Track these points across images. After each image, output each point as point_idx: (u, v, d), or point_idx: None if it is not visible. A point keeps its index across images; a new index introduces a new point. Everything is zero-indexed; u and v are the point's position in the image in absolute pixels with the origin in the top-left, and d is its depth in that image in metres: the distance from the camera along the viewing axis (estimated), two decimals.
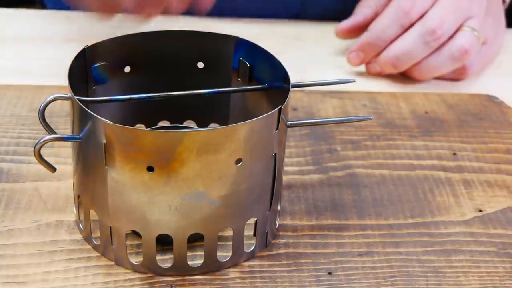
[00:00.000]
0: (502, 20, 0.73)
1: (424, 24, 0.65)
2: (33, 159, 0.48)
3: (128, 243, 0.47)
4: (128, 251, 0.47)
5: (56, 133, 0.47)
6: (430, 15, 0.66)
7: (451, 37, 0.66)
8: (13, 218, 0.50)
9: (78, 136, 0.45)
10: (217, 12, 0.77)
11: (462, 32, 0.66)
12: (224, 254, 0.47)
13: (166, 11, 0.62)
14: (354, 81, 0.52)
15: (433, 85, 0.69)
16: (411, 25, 0.67)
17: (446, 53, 0.66)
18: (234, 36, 0.51)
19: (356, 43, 0.69)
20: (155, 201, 0.44)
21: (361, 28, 0.70)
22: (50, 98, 0.46)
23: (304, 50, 0.73)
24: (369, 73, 0.69)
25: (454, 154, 0.59)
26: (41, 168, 0.50)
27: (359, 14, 0.71)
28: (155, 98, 0.51)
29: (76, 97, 0.44)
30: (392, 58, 0.67)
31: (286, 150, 0.57)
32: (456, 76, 0.69)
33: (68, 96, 0.46)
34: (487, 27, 0.68)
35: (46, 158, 0.46)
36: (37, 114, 0.47)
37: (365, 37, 0.68)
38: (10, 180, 0.53)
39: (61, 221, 0.50)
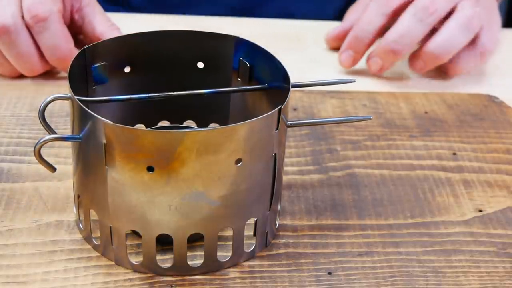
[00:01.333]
0: (496, 15, 0.73)
1: (416, 4, 0.66)
2: (33, 159, 0.48)
3: (128, 243, 0.47)
4: (128, 251, 0.47)
5: (56, 133, 0.47)
6: None
7: (446, 16, 0.66)
8: (13, 218, 0.50)
9: (78, 136, 0.45)
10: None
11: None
12: (224, 254, 0.47)
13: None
14: (354, 81, 0.52)
15: (433, 85, 0.69)
16: (395, 12, 0.67)
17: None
18: (234, 36, 0.51)
19: (344, 43, 0.69)
20: (155, 201, 0.44)
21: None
22: (50, 98, 0.46)
23: (304, 50, 0.73)
24: (372, 72, 0.69)
25: (454, 154, 0.59)
26: (41, 168, 0.50)
27: (347, 20, 0.72)
28: (155, 98, 0.51)
29: (76, 97, 0.44)
30: (390, 43, 0.66)
31: (286, 150, 0.57)
32: (444, 70, 0.69)
33: (68, 96, 0.46)
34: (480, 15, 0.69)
35: (46, 158, 0.46)
36: (37, 114, 0.47)
37: (350, 33, 0.68)
38: (10, 180, 0.53)
39: (61, 221, 0.50)
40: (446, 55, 0.67)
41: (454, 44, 0.66)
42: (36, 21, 0.60)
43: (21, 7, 0.61)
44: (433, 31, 0.67)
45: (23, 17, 0.61)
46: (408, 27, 0.66)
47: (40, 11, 0.60)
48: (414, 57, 0.68)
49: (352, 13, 0.73)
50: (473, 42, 0.67)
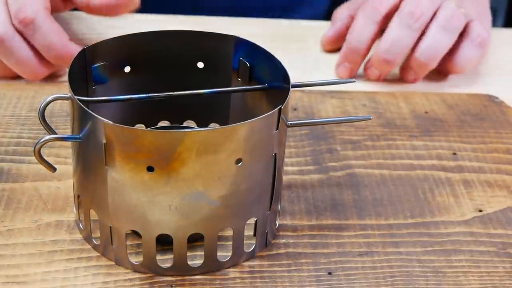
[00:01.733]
0: (487, 12, 0.73)
1: (401, 11, 0.66)
2: (33, 159, 0.48)
3: (128, 243, 0.47)
4: (128, 251, 0.47)
5: (56, 133, 0.47)
6: (404, 2, 0.66)
7: (433, 17, 0.66)
8: (13, 218, 0.50)
9: (78, 136, 0.45)
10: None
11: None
12: (224, 254, 0.47)
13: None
14: (354, 81, 0.52)
15: (433, 85, 0.69)
16: (385, 18, 0.67)
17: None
18: (234, 36, 0.51)
19: (339, 56, 0.69)
20: (155, 201, 0.44)
21: (343, 34, 0.70)
22: (50, 98, 0.46)
23: (304, 50, 0.73)
24: (371, 80, 0.69)
25: (454, 154, 0.59)
26: (41, 168, 0.50)
27: (337, 21, 0.72)
28: (155, 98, 0.51)
29: (76, 97, 0.44)
30: (382, 53, 0.66)
31: (286, 150, 0.57)
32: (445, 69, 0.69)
33: (68, 96, 0.46)
34: (467, 8, 0.68)
35: (46, 158, 0.46)
36: (37, 114, 0.47)
37: (344, 46, 0.68)
38: (10, 180, 0.53)
39: (61, 221, 0.50)
40: (433, 61, 0.66)
41: (439, 48, 0.66)
42: (25, 25, 0.60)
43: (10, 14, 0.61)
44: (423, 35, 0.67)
45: (13, 24, 0.61)
46: (397, 35, 0.65)
47: (27, 14, 0.60)
48: (404, 68, 0.68)
49: (338, 13, 0.72)
50: (466, 36, 0.67)
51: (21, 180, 0.53)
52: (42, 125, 0.47)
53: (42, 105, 0.46)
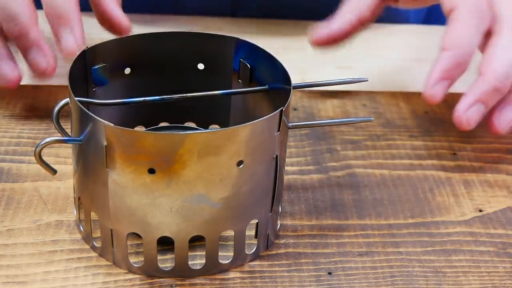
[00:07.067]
0: None
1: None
2: (33, 159, 0.48)
3: (129, 243, 0.47)
4: (128, 251, 0.47)
5: (69, 135, 0.47)
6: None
7: None
8: (13, 218, 0.50)
9: (78, 138, 0.45)
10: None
11: None
12: (225, 256, 0.47)
13: None
14: (367, 80, 0.52)
15: None
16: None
17: None
18: (235, 37, 0.51)
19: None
20: (156, 203, 0.44)
21: (343, 36, 0.59)
22: (64, 101, 0.46)
23: (304, 51, 0.73)
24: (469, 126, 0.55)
25: (454, 154, 0.59)
26: (41, 168, 0.50)
27: (342, 20, 0.59)
28: (156, 101, 0.51)
29: (76, 98, 0.44)
30: (494, 81, 0.53)
31: (287, 150, 0.57)
32: None
33: None
34: None
35: (46, 158, 0.46)
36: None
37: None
38: (10, 180, 0.53)
39: (61, 221, 0.50)
40: None
41: None
42: None
43: None
44: None
45: None
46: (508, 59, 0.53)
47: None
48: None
49: (345, 12, 0.60)
50: None
51: (21, 180, 0.53)
52: (56, 128, 0.47)
53: (56, 108, 0.46)
